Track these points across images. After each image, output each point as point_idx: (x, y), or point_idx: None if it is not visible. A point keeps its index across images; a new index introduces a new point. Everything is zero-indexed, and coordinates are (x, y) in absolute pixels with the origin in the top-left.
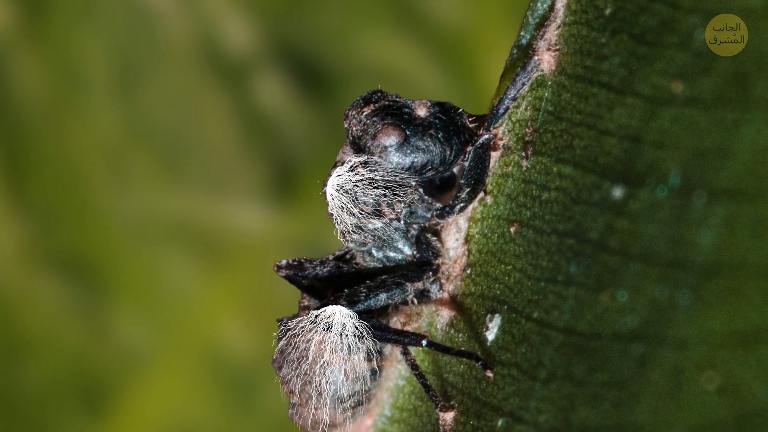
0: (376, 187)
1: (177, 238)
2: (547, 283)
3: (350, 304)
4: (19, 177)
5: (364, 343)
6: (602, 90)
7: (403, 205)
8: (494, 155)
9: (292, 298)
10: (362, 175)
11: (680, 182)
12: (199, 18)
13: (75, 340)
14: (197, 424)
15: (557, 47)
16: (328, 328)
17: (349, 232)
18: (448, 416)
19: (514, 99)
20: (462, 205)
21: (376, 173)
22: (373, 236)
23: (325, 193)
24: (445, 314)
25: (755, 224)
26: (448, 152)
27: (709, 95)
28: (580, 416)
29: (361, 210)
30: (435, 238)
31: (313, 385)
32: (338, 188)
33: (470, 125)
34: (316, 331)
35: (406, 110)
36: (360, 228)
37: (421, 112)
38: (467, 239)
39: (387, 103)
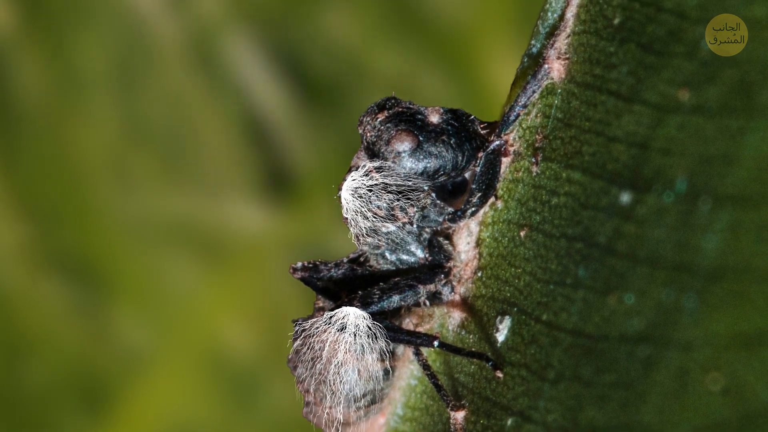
0: (389, 192)
1: (177, 238)
2: (556, 285)
3: (364, 305)
4: (19, 177)
5: (377, 343)
6: (610, 98)
7: (416, 209)
8: (505, 161)
9: (292, 298)
10: (376, 179)
11: (686, 188)
12: (200, 21)
13: (76, 341)
14: (198, 424)
15: (567, 56)
16: (343, 329)
17: (363, 235)
18: (459, 415)
19: (525, 106)
20: (473, 209)
21: (390, 178)
22: (387, 239)
23: (339, 197)
24: (457, 316)
25: (759, 229)
26: (460, 158)
27: (714, 103)
28: (587, 416)
29: (375, 214)
30: (447, 242)
31: (328, 384)
32: (353, 192)
33: (482, 131)
34: (331, 332)
35: (420, 117)
36: (374, 231)
37: (434, 118)
38: (478, 243)
39: (401, 109)
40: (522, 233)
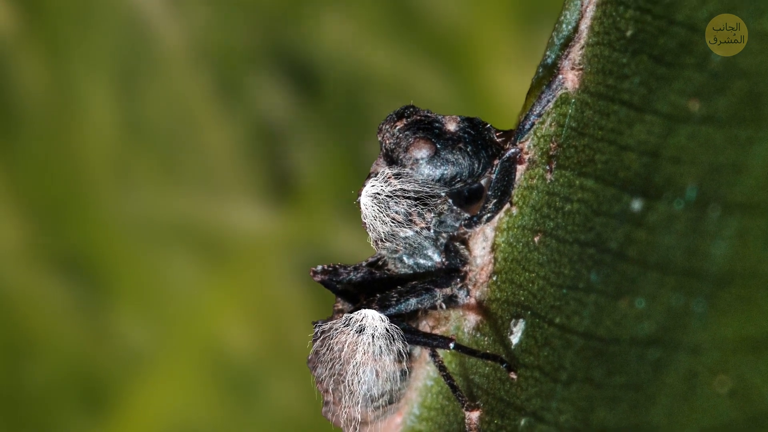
0: (407, 198)
1: (178, 238)
2: (568, 290)
3: (382, 308)
4: (20, 177)
5: (394, 345)
6: (623, 107)
7: (433, 214)
8: (520, 168)
9: (293, 299)
10: (395, 186)
11: (696, 196)
12: (200, 21)
13: (76, 340)
14: (198, 424)
15: (581, 67)
16: (361, 331)
17: (381, 239)
18: (474, 415)
19: (540, 115)
20: (489, 215)
21: (408, 184)
22: (405, 244)
23: (359, 203)
24: (472, 319)
25: (767, 236)
26: (476, 165)
27: (724, 114)
28: (598, 417)
29: (394, 219)
30: (463, 247)
31: (346, 384)
32: (372, 198)
33: (497, 140)
34: (350, 334)
35: (437, 125)
36: (392, 236)
37: (451, 126)
38: (493, 248)
39: (418, 117)
40: (536, 239)
